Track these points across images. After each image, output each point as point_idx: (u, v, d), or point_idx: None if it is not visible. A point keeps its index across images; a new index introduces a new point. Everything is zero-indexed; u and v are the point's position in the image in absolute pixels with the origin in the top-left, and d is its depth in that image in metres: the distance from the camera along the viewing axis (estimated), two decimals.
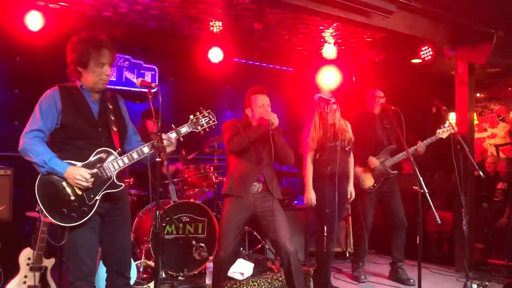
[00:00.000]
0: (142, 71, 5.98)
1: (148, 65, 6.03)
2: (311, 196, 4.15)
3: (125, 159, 2.77)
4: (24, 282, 3.54)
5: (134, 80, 5.84)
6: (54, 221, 2.63)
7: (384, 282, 4.95)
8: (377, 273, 5.27)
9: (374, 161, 4.74)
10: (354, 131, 4.45)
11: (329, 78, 6.71)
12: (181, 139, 2.90)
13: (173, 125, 2.91)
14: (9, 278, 3.74)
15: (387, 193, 4.86)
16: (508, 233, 5.28)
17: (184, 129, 2.92)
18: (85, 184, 2.65)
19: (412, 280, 4.74)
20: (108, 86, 5.82)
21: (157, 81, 6.06)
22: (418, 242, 3.55)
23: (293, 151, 3.83)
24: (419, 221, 3.55)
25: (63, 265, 3.60)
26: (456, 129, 4.63)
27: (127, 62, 5.83)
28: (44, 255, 3.62)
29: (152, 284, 3.89)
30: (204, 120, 2.96)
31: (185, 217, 4.34)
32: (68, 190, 2.67)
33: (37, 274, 3.57)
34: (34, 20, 4.58)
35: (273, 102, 3.82)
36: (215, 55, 5.90)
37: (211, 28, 5.44)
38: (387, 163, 4.76)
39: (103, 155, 2.76)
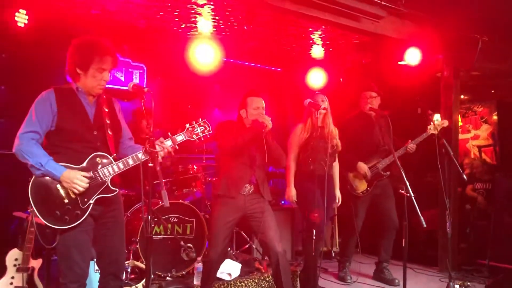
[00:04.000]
0: (130, 70, 5.94)
1: (136, 64, 6.01)
2: (292, 193, 4.23)
3: (120, 165, 2.78)
4: (11, 283, 3.52)
5: (122, 79, 5.81)
6: (47, 223, 2.63)
7: (370, 282, 5.03)
8: (362, 273, 5.34)
9: (362, 167, 4.76)
10: (348, 135, 4.49)
11: (316, 79, 6.78)
12: (177, 147, 2.93)
13: (169, 133, 2.93)
14: None
15: (380, 194, 4.89)
16: (490, 234, 5.41)
17: (180, 137, 2.95)
18: (81, 188, 2.65)
19: (397, 281, 4.82)
20: None
21: (145, 79, 6.03)
22: (404, 245, 3.61)
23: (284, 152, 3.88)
24: (405, 225, 3.62)
25: (51, 266, 3.59)
26: (447, 123, 4.71)
27: None
28: (31, 255, 3.60)
29: (140, 285, 3.89)
30: (200, 129, 3.00)
31: (173, 218, 4.35)
32: (62, 192, 2.67)
33: (25, 275, 3.55)
34: (21, 18, 4.52)
35: None
36: (204, 54, 5.88)
37: (200, 28, 5.44)
38: (379, 166, 4.80)
39: (98, 159, 2.76)
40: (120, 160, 2.79)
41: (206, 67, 5.98)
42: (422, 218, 3.46)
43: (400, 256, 3.71)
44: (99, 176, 2.74)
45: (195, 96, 6.52)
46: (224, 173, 3.73)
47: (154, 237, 4.24)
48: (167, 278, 4.22)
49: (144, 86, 5.74)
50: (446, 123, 4.78)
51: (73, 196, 2.68)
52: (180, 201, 4.51)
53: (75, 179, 2.64)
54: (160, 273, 4.20)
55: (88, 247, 2.80)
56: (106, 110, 2.88)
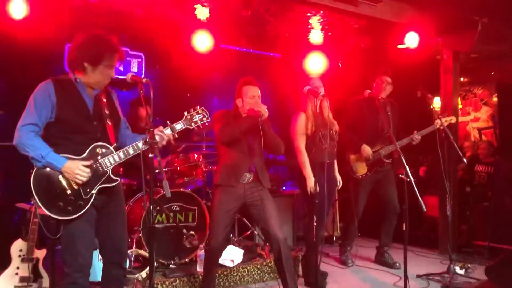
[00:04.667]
0: (128, 58, 5.91)
1: (134, 52, 5.97)
2: (312, 184, 4.07)
3: (121, 154, 2.79)
4: (16, 274, 3.56)
5: (121, 68, 5.78)
6: (50, 214, 2.65)
7: (371, 265, 5.09)
8: (363, 257, 5.40)
9: (367, 150, 4.76)
10: (354, 116, 4.47)
11: (315, 64, 6.75)
12: (176, 136, 2.97)
13: (168, 122, 2.94)
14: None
15: (382, 180, 4.91)
16: (491, 216, 5.45)
17: (179, 126, 2.96)
18: (83, 178, 2.67)
19: (398, 264, 4.87)
20: None
21: (143, 68, 6.01)
22: (404, 229, 3.64)
23: (280, 138, 3.89)
24: (405, 209, 3.65)
25: (55, 256, 3.63)
26: (454, 120, 4.72)
27: None
28: (35, 246, 3.64)
29: (143, 273, 3.94)
30: (198, 117, 3.00)
31: (175, 206, 4.37)
32: (64, 184, 2.69)
33: (29, 265, 3.59)
34: (17, 8, 4.49)
35: (260, 88, 3.85)
36: (202, 41, 5.86)
37: (198, 15, 5.39)
38: (382, 152, 4.80)
39: (98, 149, 2.78)
40: (120, 150, 2.80)
41: (204, 55, 5.97)
42: (422, 202, 3.49)
43: (401, 239, 3.75)
44: (100, 166, 2.75)
45: (194, 84, 6.49)
46: (223, 162, 3.75)
47: (157, 225, 4.27)
48: (171, 265, 4.26)
49: (143, 76, 5.80)
50: (453, 119, 4.77)
51: (75, 187, 2.70)
52: (182, 189, 4.54)
53: (77, 169, 2.65)
54: (164, 261, 4.24)
55: (91, 237, 2.83)
56: (104, 100, 2.89)
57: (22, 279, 3.55)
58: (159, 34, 5.98)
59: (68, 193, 2.69)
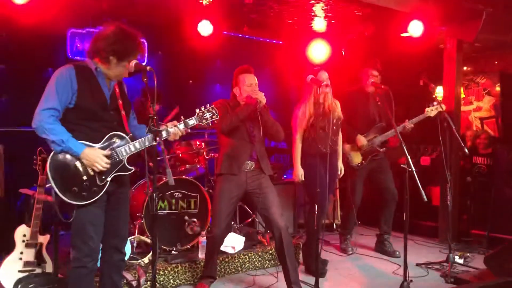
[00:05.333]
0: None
1: None
2: (299, 172, 4.24)
3: (137, 144, 2.84)
4: (20, 259, 3.59)
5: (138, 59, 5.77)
6: (65, 198, 2.70)
7: (371, 254, 5.13)
8: (364, 245, 5.45)
9: (361, 140, 4.82)
10: (347, 108, 4.50)
11: (318, 52, 6.73)
12: (189, 130, 3.05)
13: (182, 117, 3.03)
14: (3, 253, 3.80)
15: (376, 169, 4.96)
16: (490, 206, 5.47)
17: (192, 121, 3.05)
18: (101, 167, 2.71)
19: (397, 252, 4.91)
20: None
21: (146, 54, 5.98)
22: (405, 219, 3.67)
23: (283, 125, 3.90)
24: (406, 198, 3.68)
25: (58, 241, 3.67)
26: (444, 107, 4.69)
27: None
28: (39, 231, 3.68)
29: (146, 259, 3.98)
30: (209, 114, 3.08)
31: (177, 193, 4.39)
32: (81, 169, 2.73)
33: (33, 250, 3.63)
34: None
35: (263, 76, 3.88)
36: (205, 28, 5.83)
37: (201, 1, 5.36)
38: (376, 141, 4.84)
39: (115, 138, 2.83)
40: (136, 140, 2.85)
41: (207, 41, 5.95)
42: (423, 192, 3.51)
43: (401, 228, 3.77)
44: (116, 155, 2.81)
45: (197, 71, 6.50)
46: (224, 151, 3.77)
47: (159, 212, 4.30)
48: (173, 252, 4.30)
49: (145, 62, 5.78)
50: (443, 107, 4.75)
51: (91, 173, 2.74)
52: (184, 176, 4.56)
53: (97, 157, 2.70)
54: (166, 247, 4.28)
55: (102, 223, 2.87)
56: (117, 90, 2.94)
57: (26, 264, 3.59)
58: (162, 20, 5.96)
59: (84, 179, 2.73)
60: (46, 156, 3.70)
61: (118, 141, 2.83)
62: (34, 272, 3.59)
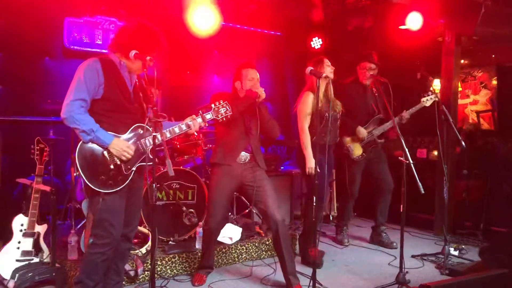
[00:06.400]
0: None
1: None
2: (311, 165, 4.10)
3: (159, 136, 2.86)
4: (18, 248, 3.60)
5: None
6: (92, 186, 2.77)
7: (367, 245, 5.17)
8: (360, 237, 5.48)
9: (362, 132, 4.82)
10: (344, 100, 4.50)
11: (316, 43, 6.72)
12: (207, 125, 3.21)
13: (200, 111, 3.15)
14: (0, 242, 3.81)
15: (374, 159, 4.97)
16: (486, 199, 5.51)
17: (209, 116, 3.17)
18: (129, 156, 2.83)
19: (395, 243, 4.95)
20: (94, 50, 5.70)
21: None
22: (401, 211, 3.70)
23: (280, 118, 3.91)
24: (403, 191, 3.70)
25: (56, 231, 3.67)
26: (439, 97, 4.71)
27: (113, 25, 5.71)
28: (36, 221, 3.68)
29: (143, 249, 3.99)
30: (223, 110, 3.21)
31: (175, 184, 4.40)
32: (108, 159, 2.81)
33: (31, 239, 3.64)
34: None
35: (260, 66, 3.88)
36: (203, 18, 5.79)
37: None
38: (375, 132, 4.85)
39: (140, 130, 2.94)
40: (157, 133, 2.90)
41: (204, 32, 5.90)
42: (420, 184, 3.52)
43: (396, 220, 3.79)
44: (141, 146, 2.91)
45: (194, 62, 6.46)
46: (220, 141, 3.80)
47: (157, 202, 4.29)
48: (170, 242, 4.31)
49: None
50: (438, 96, 4.76)
51: (118, 163, 2.84)
52: (182, 167, 4.56)
53: (126, 147, 2.82)
54: (163, 238, 4.30)
55: (123, 212, 2.95)
56: (138, 84, 3.02)
57: (24, 253, 3.60)
58: (159, 11, 5.92)
59: (111, 168, 2.83)
60: (44, 146, 3.72)
61: (142, 133, 2.94)
62: (32, 261, 3.61)
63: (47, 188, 3.62)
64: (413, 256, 4.68)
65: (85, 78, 2.76)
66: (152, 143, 2.83)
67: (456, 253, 4.68)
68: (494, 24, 5.23)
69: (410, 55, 6.15)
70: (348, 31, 6.73)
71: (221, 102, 3.20)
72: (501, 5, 5.05)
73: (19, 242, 3.62)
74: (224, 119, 3.22)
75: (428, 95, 4.72)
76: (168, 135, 3.00)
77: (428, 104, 4.71)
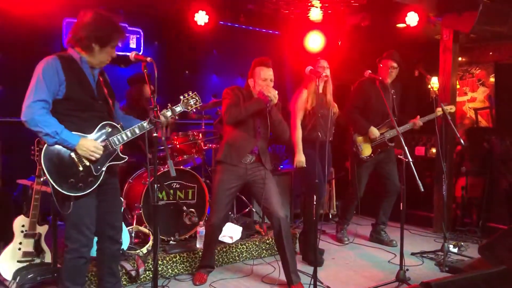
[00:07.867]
0: (127, 35, 5.85)
1: (132, 28, 5.89)
2: (301, 159, 4.19)
3: (128, 133, 2.85)
4: (19, 249, 3.60)
5: (119, 44, 5.73)
6: (61, 190, 2.67)
7: (367, 243, 5.18)
8: (359, 235, 5.50)
9: (374, 133, 4.78)
10: (360, 98, 4.49)
11: (315, 42, 6.73)
12: (176, 118, 3.14)
13: (169, 104, 3.06)
14: (2, 243, 3.81)
15: (384, 159, 4.94)
16: (485, 196, 5.54)
17: (179, 108, 3.09)
18: (98, 156, 2.72)
19: (394, 242, 4.96)
20: None
21: (142, 44, 5.95)
22: (402, 208, 3.72)
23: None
24: (403, 188, 3.72)
25: (57, 232, 3.67)
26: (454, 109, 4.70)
27: None
28: (37, 222, 3.68)
29: (144, 249, 4.00)
30: (192, 101, 3.14)
31: (175, 184, 4.40)
32: (76, 160, 2.72)
33: (32, 240, 3.64)
34: None
35: None
36: (201, 18, 5.81)
37: None
38: (387, 135, 4.83)
39: (107, 128, 2.83)
40: (127, 129, 2.87)
41: (203, 32, 5.92)
42: (419, 182, 3.54)
43: (396, 218, 3.81)
44: (110, 144, 2.81)
45: (193, 61, 6.47)
46: (228, 140, 3.75)
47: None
48: (171, 242, 4.32)
49: (141, 52, 5.76)
50: (453, 108, 4.79)
51: (87, 164, 2.74)
52: (181, 167, 4.57)
53: (93, 147, 2.70)
54: (164, 238, 4.30)
55: (94, 209, 2.88)
56: (101, 79, 2.91)
57: (25, 254, 3.60)
58: (158, 10, 5.93)
59: (80, 169, 2.72)
60: (43, 147, 3.72)
61: (110, 131, 2.83)
62: (33, 262, 3.61)
63: (48, 189, 3.62)
64: (412, 254, 4.70)
65: (44, 78, 2.62)
66: (121, 140, 2.82)
67: (455, 250, 4.70)
68: (491, 22, 5.24)
69: (408, 53, 6.15)
70: (346, 30, 6.75)
71: (190, 93, 3.13)
72: (498, 3, 5.07)
73: (20, 243, 3.61)
74: (194, 110, 3.16)
75: (445, 105, 4.71)
76: (137, 131, 2.87)
77: (440, 114, 4.70)
